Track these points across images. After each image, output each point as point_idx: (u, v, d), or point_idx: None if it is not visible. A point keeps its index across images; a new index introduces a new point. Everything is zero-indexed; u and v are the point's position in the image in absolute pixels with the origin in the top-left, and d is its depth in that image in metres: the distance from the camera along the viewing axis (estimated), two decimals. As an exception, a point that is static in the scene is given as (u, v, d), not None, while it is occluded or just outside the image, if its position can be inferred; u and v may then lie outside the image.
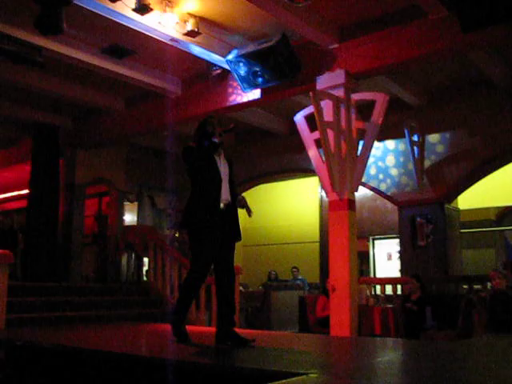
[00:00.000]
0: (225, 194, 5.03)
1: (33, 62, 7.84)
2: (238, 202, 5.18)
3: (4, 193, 15.96)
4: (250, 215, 5.25)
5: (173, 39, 7.62)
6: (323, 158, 7.82)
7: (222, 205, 4.98)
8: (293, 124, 8.50)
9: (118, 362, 4.16)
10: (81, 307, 8.45)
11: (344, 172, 7.71)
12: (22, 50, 7.65)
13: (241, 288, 10.19)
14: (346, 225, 7.64)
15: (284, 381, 2.85)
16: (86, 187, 12.03)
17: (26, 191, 12.15)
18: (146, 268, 10.98)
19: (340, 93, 7.78)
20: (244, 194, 14.17)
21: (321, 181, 8.16)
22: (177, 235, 11.91)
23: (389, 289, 9.66)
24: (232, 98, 9.06)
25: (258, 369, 3.42)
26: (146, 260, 10.79)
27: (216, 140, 5.00)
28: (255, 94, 8.71)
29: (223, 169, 5.10)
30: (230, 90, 9.05)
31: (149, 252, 10.28)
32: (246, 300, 11.48)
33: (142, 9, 6.88)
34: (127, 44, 8.35)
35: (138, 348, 5.14)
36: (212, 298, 8.61)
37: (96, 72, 8.96)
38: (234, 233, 5.10)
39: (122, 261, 11.76)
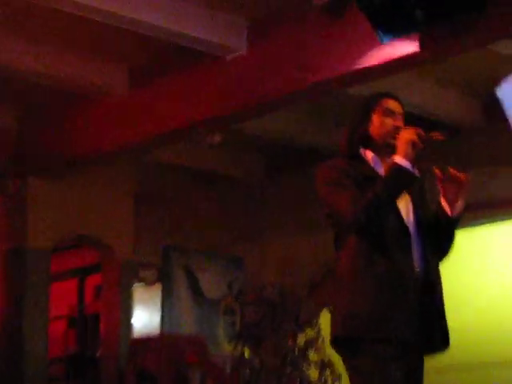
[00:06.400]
0: (416, 258, 2.74)
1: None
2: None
3: None
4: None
5: None
6: None
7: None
8: (487, 106, 6.54)
9: None
10: None
11: None
12: None
13: None
14: None
15: None
16: (51, 256, 7.94)
17: None
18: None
19: None
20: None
21: None
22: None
23: None
24: (356, 53, 5.80)
25: None
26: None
27: (412, 170, 2.61)
28: (408, 44, 5.51)
29: (406, 207, 2.76)
30: (352, 36, 5.82)
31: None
32: None
33: None
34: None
35: None
36: None
37: (74, 19, 5.69)
38: (437, 335, 2.74)
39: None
